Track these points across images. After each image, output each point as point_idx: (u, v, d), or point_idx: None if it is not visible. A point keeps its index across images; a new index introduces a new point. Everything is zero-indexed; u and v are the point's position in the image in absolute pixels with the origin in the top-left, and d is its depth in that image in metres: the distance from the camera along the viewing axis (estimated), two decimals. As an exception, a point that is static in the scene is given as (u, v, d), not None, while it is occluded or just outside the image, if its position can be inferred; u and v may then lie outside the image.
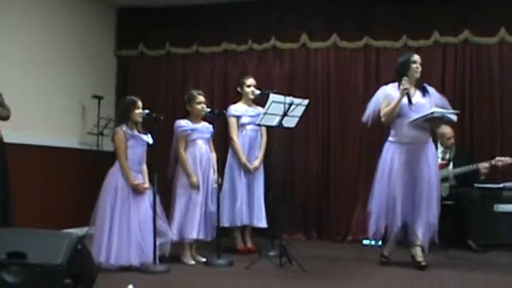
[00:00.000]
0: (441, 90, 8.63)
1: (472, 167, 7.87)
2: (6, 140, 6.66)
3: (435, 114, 6.27)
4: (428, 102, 6.47)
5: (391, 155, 6.49)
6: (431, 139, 6.61)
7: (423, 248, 6.51)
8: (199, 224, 6.81)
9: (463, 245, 7.77)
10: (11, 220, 6.52)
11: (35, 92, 8.08)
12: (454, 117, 6.45)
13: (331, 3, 9.19)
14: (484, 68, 8.77)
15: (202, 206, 6.87)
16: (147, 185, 6.53)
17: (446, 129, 8.15)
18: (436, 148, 8.13)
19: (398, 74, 6.55)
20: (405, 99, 6.36)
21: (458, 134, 8.33)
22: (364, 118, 6.72)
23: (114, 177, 6.47)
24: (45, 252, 4.36)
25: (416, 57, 6.54)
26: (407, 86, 6.31)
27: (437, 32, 8.84)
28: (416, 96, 6.48)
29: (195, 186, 6.82)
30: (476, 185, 7.97)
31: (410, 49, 8.82)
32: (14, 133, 6.92)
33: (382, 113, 6.54)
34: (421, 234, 6.43)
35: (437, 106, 6.45)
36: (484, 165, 7.79)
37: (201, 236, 6.83)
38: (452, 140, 8.17)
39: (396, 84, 6.53)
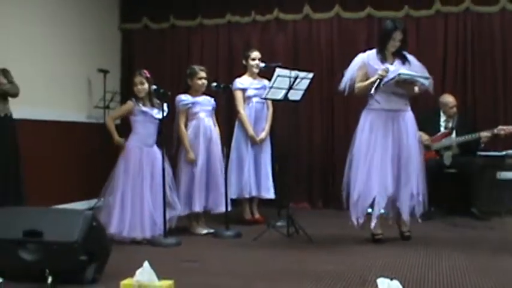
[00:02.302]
0: (443, 60, 8.79)
1: (473, 135, 7.92)
2: (15, 116, 6.77)
3: (402, 76, 6.16)
4: (408, 70, 6.32)
5: (369, 123, 6.35)
6: (409, 108, 6.47)
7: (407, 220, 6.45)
8: (204, 196, 6.93)
9: (466, 212, 7.86)
10: (23, 197, 6.65)
11: (41, 68, 8.13)
12: (426, 82, 6.34)
13: (333, -26, 9.20)
14: (486, 36, 8.83)
15: (208, 178, 6.99)
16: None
17: (449, 98, 8.23)
18: (439, 116, 8.25)
19: (379, 41, 6.50)
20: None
21: (461, 103, 8.39)
22: (341, 86, 6.57)
23: (126, 151, 6.57)
24: (61, 230, 4.44)
25: (398, 34, 6.31)
26: (383, 74, 6.14)
27: (439, 1, 8.89)
28: (396, 64, 6.34)
29: (191, 162, 6.92)
30: (478, 153, 8.07)
31: (412, 19, 8.97)
32: (22, 109, 7.01)
33: (356, 85, 6.43)
34: (404, 204, 6.32)
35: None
36: (485, 134, 7.85)
37: (209, 208, 6.96)
38: (454, 109, 8.21)
39: (375, 51, 6.42)
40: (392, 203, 6.41)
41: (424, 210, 6.44)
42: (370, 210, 6.33)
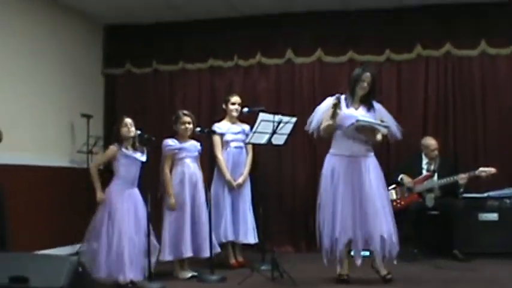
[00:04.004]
0: (424, 103, 8.89)
1: (451, 179, 7.99)
2: (-2, 161, 6.77)
3: (361, 123, 6.26)
4: (372, 117, 6.43)
5: (331, 167, 6.45)
6: (373, 153, 6.54)
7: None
8: (190, 241, 6.92)
9: (448, 255, 7.87)
10: (7, 243, 6.58)
11: (24, 112, 8.12)
12: (384, 130, 6.43)
13: (315, 19, 9.31)
14: (466, 80, 8.97)
15: (193, 224, 6.99)
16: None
17: (431, 141, 8.31)
18: (421, 159, 8.31)
19: (348, 86, 6.58)
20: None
21: (442, 146, 8.44)
22: (310, 129, 6.65)
23: (108, 194, 6.57)
24: (47, 275, 4.41)
25: (366, 76, 6.45)
26: (335, 101, 6.23)
27: (419, 45, 9.01)
28: (359, 110, 6.46)
29: (172, 209, 6.94)
30: (461, 195, 8.12)
31: (393, 63, 9.08)
32: (4, 154, 7.00)
33: (321, 127, 6.52)
34: (376, 248, 6.32)
35: (381, 121, 6.47)
36: (461, 177, 7.91)
37: (193, 254, 6.94)
38: (436, 152, 8.28)
39: (343, 96, 6.49)
40: (366, 246, 6.44)
41: (397, 250, 6.40)
42: (352, 253, 6.40)
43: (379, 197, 6.42)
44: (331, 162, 6.49)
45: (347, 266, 6.48)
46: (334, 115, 6.29)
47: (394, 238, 6.35)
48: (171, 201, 6.93)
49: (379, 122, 6.42)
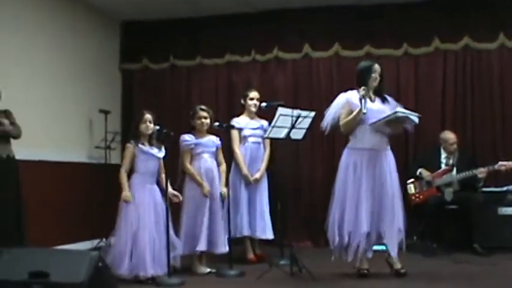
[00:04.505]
0: (442, 97, 8.86)
1: (470, 172, 7.95)
2: (17, 157, 6.78)
3: (398, 114, 6.25)
4: (388, 109, 6.42)
5: (353, 161, 6.42)
6: (389, 146, 6.55)
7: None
8: (208, 236, 6.91)
9: (468, 249, 7.85)
10: (25, 239, 6.64)
11: (42, 109, 8.16)
12: (417, 120, 6.42)
13: (332, 13, 9.30)
14: (485, 73, 8.92)
15: (210, 218, 6.98)
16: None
17: (449, 135, 8.27)
18: (440, 153, 8.28)
19: (358, 81, 6.54)
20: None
21: (460, 140, 8.42)
22: (323, 125, 6.63)
23: (132, 190, 6.58)
24: (67, 270, 4.42)
25: (376, 67, 6.50)
26: (363, 93, 6.22)
27: (437, 38, 8.97)
28: (376, 103, 6.49)
29: (206, 195, 6.94)
30: (480, 189, 8.09)
31: (410, 57, 9.08)
32: (24, 150, 7.01)
33: (341, 122, 6.50)
34: (392, 241, 6.35)
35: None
36: (481, 171, 7.87)
37: (210, 248, 6.93)
38: (455, 146, 8.25)
39: (356, 91, 6.49)
40: (379, 239, 6.44)
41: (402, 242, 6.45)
42: (376, 247, 6.42)
43: (398, 190, 6.46)
44: (351, 156, 6.47)
45: (366, 260, 6.47)
46: (364, 106, 6.23)
47: (402, 235, 6.40)
48: (204, 189, 6.93)
49: (414, 113, 6.41)
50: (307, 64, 9.53)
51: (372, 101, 6.47)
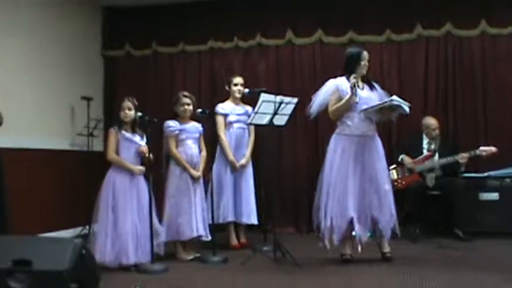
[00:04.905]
0: (424, 83, 8.91)
1: (451, 158, 8.00)
2: (-1, 145, 6.77)
3: (394, 102, 6.31)
4: (376, 96, 6.51)
5: (341, 147, 6.46)
6: (377, 133, 6.61)
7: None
8: (193, 222, 6.91)
9: (449, 234, 7.91)
10: (8, 227, 6.61)
11: (24, 95, 8.11)
12: (407, 109, 6.45)
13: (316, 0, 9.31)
14: (466, 60, 8.95)
15: (196, 205, 6.99)
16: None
17: (431, 121, 8.31)
18: (422, 139, 8.32)
19: (346, 68, 6.56)
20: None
21: (442, 125, 8.47)
22: (311, 111, 6.67)
23: (111, 177, 6.57)
24: (50, 258, 4.43)
25: (365, 54, 6.53)
26: (354, 81, 6.28)
27: (420, 25, 8.98)
28: (365, 90, 6.53)
29: (196, 179, 6.98)
30: (461, 174, 8.14)
31: (393, 43, 9.06)
32: (5, 138, 6.98)
33: (330, 109, 6.53)
34: (386, 226, 6.43)
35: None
36: (462, 156, 7.92)
37: (198, 234, 6.92)
38: (437, 131, 8.29)
39: (345, 78, 6.52)
40: (374, 225, 6.49)
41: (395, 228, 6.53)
42: (354, 233, 6.42)
43: (387, 175, 6.57)
44: (340, 142, 6.50)
45: (350, 246, 6.52)
46: (353, 95, 6.29)
47: (394, 219, 6.47)
48: (192, 173, 6.96)
49: (406, 103, 6.45)
50: (290, 51, 9.53)
51: (361, 88, 6.50)
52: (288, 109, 6.84)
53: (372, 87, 6.61)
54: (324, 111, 6.65)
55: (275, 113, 6.69)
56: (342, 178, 6.41)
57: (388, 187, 6.49)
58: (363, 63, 6.51)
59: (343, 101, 6.39)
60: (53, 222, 8.38)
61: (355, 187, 6.39)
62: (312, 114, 6.69)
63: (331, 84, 6.62)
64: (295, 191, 9.29)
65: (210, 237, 6.98)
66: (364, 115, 6.43)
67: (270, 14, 9.50)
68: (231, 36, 9.62)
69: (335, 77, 6.64)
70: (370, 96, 6.49)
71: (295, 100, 6.84)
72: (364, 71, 6.56)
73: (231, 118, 7.75)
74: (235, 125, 7.76)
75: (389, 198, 6.47)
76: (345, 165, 6.42)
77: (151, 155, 6.64)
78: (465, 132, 8.83)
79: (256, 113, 6.70)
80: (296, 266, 6.28)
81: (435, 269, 6.07)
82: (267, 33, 9.52)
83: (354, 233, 6.42)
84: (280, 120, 6.91)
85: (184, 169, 6.95)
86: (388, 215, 6.43)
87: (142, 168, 6.61)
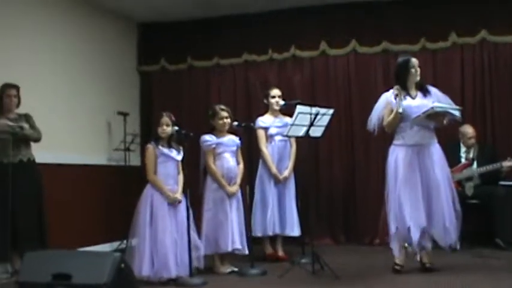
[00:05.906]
0: (461, 91, 8.80)
1: (495, 165, 7.92)
2: (38, 160, 6.84)
3: (436, 109, 6.23)
4: (431, 102, 6.38)
5: (395, 157, 6.44)
6: (436, 140, 6.54)
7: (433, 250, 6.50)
8: (231, 235, 6.90)
9: (490, 244, 7.83)
10: (47, 241, 6.69)
11: (61, 112, 8.23)
12: (457, 113, 6.38)
13: (349, 10, 9.29)
14: (502, 66, 8.85)
15: (233, 218, 6.99)
16: (178, 195, 6.65)
17: (468, 129, 8.24)
18: (459, 148, 8.24)
19: (397, 78, 6.53)
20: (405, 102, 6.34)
21: (480, 133, 8.41)
22: (370, 127, 6.70)
23: (149, 192, 6.59)
24: (90, 272, 4.43)
25: (413, 61, 6.48)
26: (396, 92, 6.28)
27: (454, 33, 8.92)
28: (417, 98, 6.46)
29: (232, 195, 6.96)
30: (501, 182, 8.05)
31: (428, 52, 8.98)
32: (43, 153, 7.08)
33: (384, 123, 6.53)
34: (438, 236, 6.36)
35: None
36: (507, 164, 7.86)
37: (235, 247, 6.90)
38: (473, 140, 8.24)
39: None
40: (423, 235, 6.38)
41: (454, 240, 6.42)
42: (406, 244, 6.40)
43: (445, 184, 6.43)
44: (394, 153, 6.49)
45: (404, 257, 6.47)
46: (399, 105, 6.27)
47: (453, 228, 6.39)
48: (227, 189, 6.94)
49: (454, 107, 6.41)
50: (324, 62, 9.52)
51: (413, 97, 6.46)
52: (324, 120, 6.81)
53: (425, 94, 6.52)
54: (381, 124, 6.63)
55: (311, 125, 6.67)
56: (399, 189, 6.36)
57: (445, 196, 6.38)
58: (413, 70, 6.46)
59: (392, 114, 6.38)
60: (90, 236, 8.45)
61: (411, 197, 6.31)
62: (370, 129, 6.72)
63: (383, 98, 6.64)
64: (332, 202, 9.26)
65: (247, 251, 6.96)
66: (417, 124, 6.38)
67: (304, 26, 9.50)
68: (266, 48, 9.64)
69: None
70: (423, 104, 6.38)
71: (331, 111, 6.80)
72: (417, 78, 6.51)
73: (271, 131, 7.76)
74: (277, 138, 7.75)
75: (445, 209, 6.35)
76: (400, 176, 6.37)
77: (185, 171, 6.65)
78: (503, 139, 8.72)
79: (292, 124, 6.68)
80: (335, 278, 6.23)
81: (477, 279, 5.98)
82: (301, 45, 9.52)
83: (409, 243, 6.39)
84: (317, 132, 6.88)
85: (220, 186, 6.96)
86: (441, 225, 6.33)
87: (178, 198, 6.60)
